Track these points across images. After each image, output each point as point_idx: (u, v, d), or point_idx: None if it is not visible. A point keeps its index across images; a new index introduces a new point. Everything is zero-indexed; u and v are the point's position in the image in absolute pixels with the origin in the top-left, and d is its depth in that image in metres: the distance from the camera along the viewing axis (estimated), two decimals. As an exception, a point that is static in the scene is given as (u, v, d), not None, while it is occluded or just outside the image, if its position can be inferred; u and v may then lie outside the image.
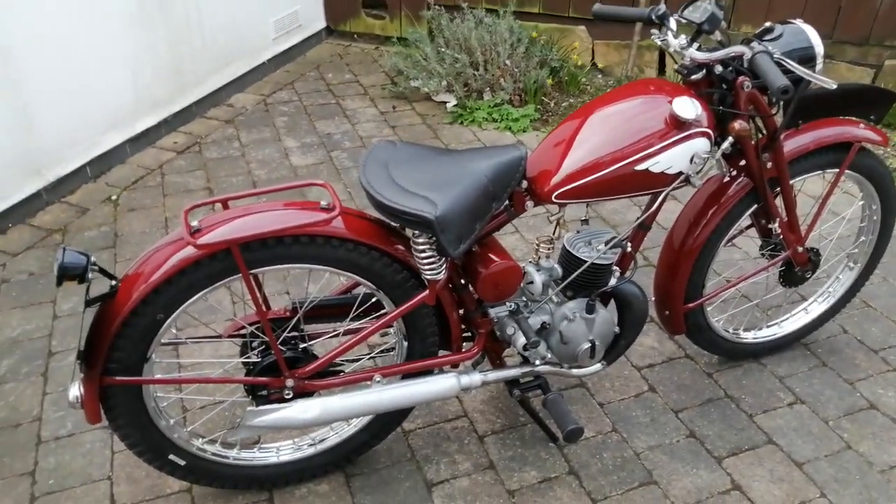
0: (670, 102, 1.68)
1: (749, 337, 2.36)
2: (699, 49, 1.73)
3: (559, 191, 1.71)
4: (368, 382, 1.81)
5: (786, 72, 1.65)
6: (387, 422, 1.97)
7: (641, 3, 4.12)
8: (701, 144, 1.72)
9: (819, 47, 1.77)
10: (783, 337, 2.38)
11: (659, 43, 1.81)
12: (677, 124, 1.68)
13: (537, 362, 1.94)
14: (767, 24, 1.80)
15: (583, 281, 1.88)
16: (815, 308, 2.40)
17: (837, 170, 2.04)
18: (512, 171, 1.67)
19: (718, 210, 1.98)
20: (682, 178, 1.74)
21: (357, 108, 4.12)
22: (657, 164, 1.70)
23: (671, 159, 1.70)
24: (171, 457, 1.79)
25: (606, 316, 1.92)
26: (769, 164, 1.91)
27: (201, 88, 3.96)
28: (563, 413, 1.89)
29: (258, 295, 1.61)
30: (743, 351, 2.36)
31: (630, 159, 1.68)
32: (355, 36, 5.03)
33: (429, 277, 1.66)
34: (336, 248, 1.62)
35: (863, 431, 2.13)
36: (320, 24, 4.97)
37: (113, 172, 3.46)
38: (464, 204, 1.57)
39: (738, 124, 1.71)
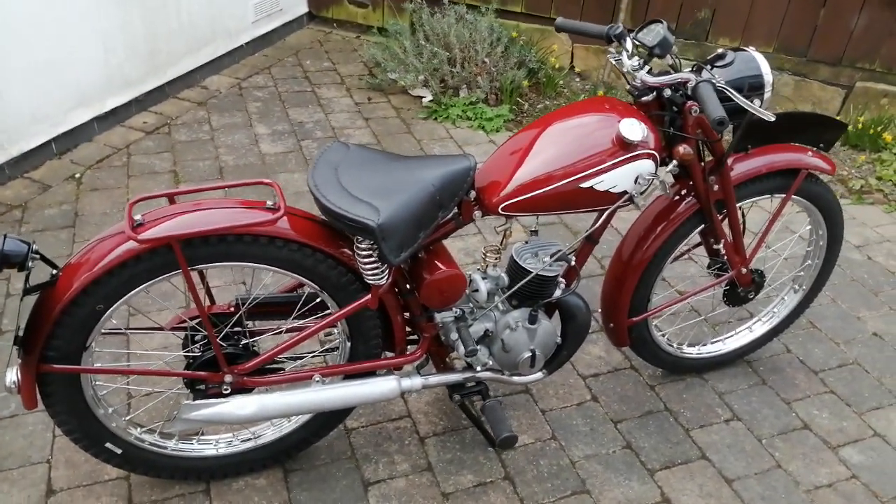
0: (619, 123, 1.70)
1: (693, 352, 2.41)
2: (650, 72, 1.76)
3: (505, 203, 1.73)
4: (308, 381, 1.83)
5: (729, 99, 1.69)
6: (327, 420, 1.99)
7: (622, 13, 4.14)
8: (646, 166, 1.75)
9: (768, 76, 1.80)
10: (726, 354, 2.43)
11: (613, 62, 1.84)
12: (623, 145, 1.71)
13: (479, 368, 1.97)
14: (720, 50, 1.83)
15: (528, 291, 1.91)
16: (759, 327, 2.45)
17: (784, 195, 2.08)
18: (460, 181, 1.69)
19: (666, 227, 2.02)
20: (626, 197, 1.77)
21: (332, 97, 4.12)
22: (602, 183, 1.73)
23: (616, 179, 1.73)
24: (108, 445, 1.80)
25: (548, 327, 1.95)
26: (716, 187, 1.95)
27: (175, 69, 3.93)
28: (498, 420, 1.92)
29: (198, 291, 1.62)
30: (686, 365, 2.41)
31: (575, 176, 1.71)
32: (334, 24, 5.00)
33: (371, 282, 1.68)
34: (280, 248, 1.63)
35: (794, 451, 2.18)
36: (302, 8, 4.94)
37: (79, 150, 3.44)
38: (408, 212, 1.59)
39: (682, 149, 1.74)
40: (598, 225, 1.88)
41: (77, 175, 3.24)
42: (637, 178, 1.75)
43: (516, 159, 1.76)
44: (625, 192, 1.77)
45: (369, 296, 1.72)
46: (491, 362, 1.97)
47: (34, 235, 2.84)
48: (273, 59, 4.52)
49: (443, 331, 1.94)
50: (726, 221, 2.07)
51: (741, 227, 2.16)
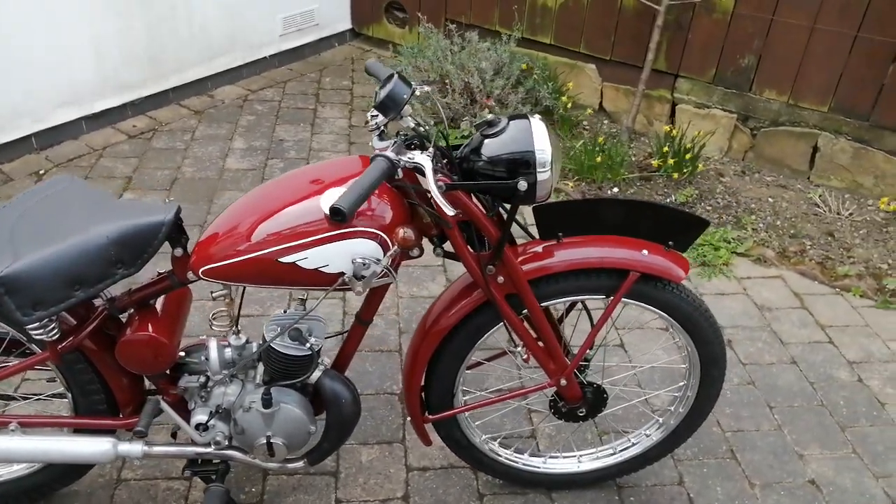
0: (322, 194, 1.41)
1: (537, 464, 2.00)
2: (381, 136, 1.44)
3: (205, 267, 1.49)
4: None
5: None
6: (67, 470, 1.85)
7: (650, 53, 3.66)
8: (365, 247, 1.44)
9: (543, 154, 1.41)
10: (579, 474, 2.00)
11: (369, 119, 1.54)
12: (329, 220, 1.41)
13: (212, 447, 1.73)
14: (490, 116, 1.47)
15: (274, 368, 1.65)
16: (625, 451, 1.99)
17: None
18: (147, 237, 1.47)
19: (462, 308, 1.67)
20: (341, 280, 1.47)
21: (329, 116, 4.00)
22: (306, 260, 1.44)
23: (325, 257, 1.44)
24: None
25: (293, 414, 1.67)
26: (500, 279, 1.58)
27: (180, 76, 3.98)
28: (208, 511, 1.67)
29: None
30: (527, 479, 2.01)
31: (271, 249, 1.44)
32: (349, 41, 4.89)
33: (35, 337, 1.51)
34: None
35: None
36: (345, 24, 4.87)
37: (62, 147, 3.55)
38: (52, 266, 1.40)
39: (401, 231, 1.41)
40: (314, 306, 1.56)
41: (41, 172, 3.35)
42: (353, 259, 1.44)
43: (234, 217, 1.52)
44: (343, 273, 1.46)
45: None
46: (226, 441, 1.73)
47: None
48: (296, 73, 4.48)
49: (186, 395, 1.73)
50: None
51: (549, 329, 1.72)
